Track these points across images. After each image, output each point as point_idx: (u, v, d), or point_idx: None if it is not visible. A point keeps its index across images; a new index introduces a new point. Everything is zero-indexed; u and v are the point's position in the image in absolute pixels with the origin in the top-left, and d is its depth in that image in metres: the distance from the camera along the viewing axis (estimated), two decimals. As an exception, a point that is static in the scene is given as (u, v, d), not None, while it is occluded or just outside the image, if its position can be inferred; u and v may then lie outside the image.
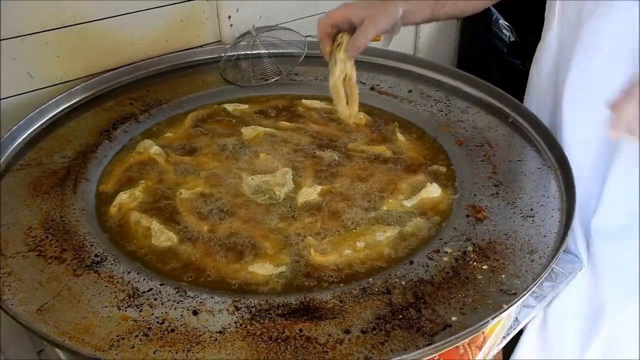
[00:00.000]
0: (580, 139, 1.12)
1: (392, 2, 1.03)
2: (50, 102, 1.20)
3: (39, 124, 1.17)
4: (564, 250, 1.09)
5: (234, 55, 1.42)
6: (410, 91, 1.33)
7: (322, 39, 1.05)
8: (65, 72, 1.30)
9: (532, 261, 0.84)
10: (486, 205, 0.96)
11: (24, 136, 1.13)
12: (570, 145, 1.11)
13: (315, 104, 1.31)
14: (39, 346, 1.46)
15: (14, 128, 1.11)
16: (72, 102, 1.24)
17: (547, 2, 1.19)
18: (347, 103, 1.05)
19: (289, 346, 0.70)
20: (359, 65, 1.45)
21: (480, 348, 0.93)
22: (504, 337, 1.04)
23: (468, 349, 0.90)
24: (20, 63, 1.23)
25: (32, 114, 1.16)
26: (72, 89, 1.25)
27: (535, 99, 1.26)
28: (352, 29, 1.02)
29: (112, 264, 0.84)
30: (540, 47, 1.23)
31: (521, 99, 1.23)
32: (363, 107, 1.29)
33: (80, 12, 1.28)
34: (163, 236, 0.91)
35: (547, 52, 1.20)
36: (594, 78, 1.05)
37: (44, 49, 1.26)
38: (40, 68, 1.27)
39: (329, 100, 1.31)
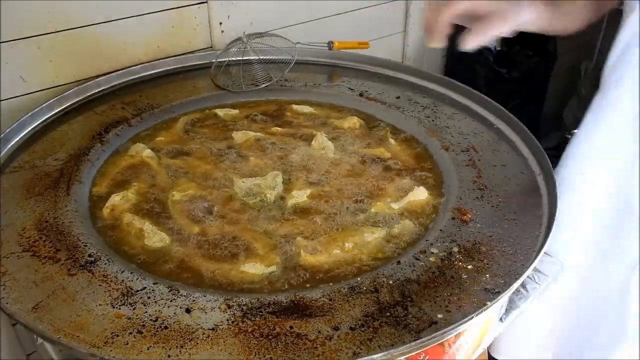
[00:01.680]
0: None
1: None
2: (43, 105, 1.22)
3: (32, 127, 1.18)
4: (546, 253, 1.12)
5: (224, 61, 1.45)
6: (398, 97, 1.36)
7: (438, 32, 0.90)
8: (57, 76, 1.32)
9: (515, 262, 0.87)
10: (471, 208, 0.99)
11: (17, 139, 1.14)
12: None
13: (305, 109, 1.33)
14: (29, 349, 1.46)
15: (7, 131, 1.13)
16: (64, 106, 1.26)
17: None
18: None
19: (279, 342, 0.72)
20: (347, 71, 1.49)
21: (464, 347, 0.95)
22: (488, 337, 1.06)
23: (453, 347, 0.93)
24: (13, 67, 1.25)
25: (25, 117, 1.17)
26: (65, 93, 1.27)
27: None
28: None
29: (105, 263, 0.85)
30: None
31: (506, 107, 1.25)
32: (353, 112, 1.32)
33: (73, 17, 1.30)
34: (156, 237, 0.92)
35: None
36: None
37: (37, 53, 1.27)
38: (33, 72, 1.28)
39: (318, 105, 1.34)
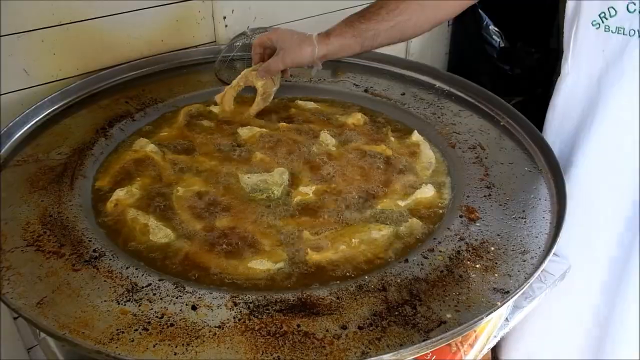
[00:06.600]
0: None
1: (310, 42, 1.15)
2: (47, 99, 1.20)
3: (35, 120, 1.17)
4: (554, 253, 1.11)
5: (228, 55, 1.43)
6: (403, 94, 1.35)
7: (253, 55, 1.27)
8: (61, 69, 1.31)
9: (524, 261, 0.86)
10: (479, 207, 0.98)
11: (20, 133, 1.13)
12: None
13: (310, 105, 1.32)
14: (29, 343, 1.45)
15: (10, 124, 1.12)
16: (68, 100, 1.25)
17: (566, 31, 1.16)
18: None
19: (287, 341, 0.71)
20: (351, 67, 1.48)
21: (472, 346, 0.95)
22: (494, 337, 1.05)
23: (460, 347, 0.92)
24: (17, 60, 1.24)
25: (28, 110, 1.16)
26: (68, 87, 1.26)
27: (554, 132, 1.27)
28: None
29: (110, 259, 0.84)
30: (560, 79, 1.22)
31: (510, 104, 1.24)
32: (358, 108, 1.31)
33: (77, 10, 1.29)
34: (160, 233, 0.91)
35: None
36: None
37: (41, 46, 1.26)
38: (37, 65, 1.27)
39: (323, 101, 1.34)
